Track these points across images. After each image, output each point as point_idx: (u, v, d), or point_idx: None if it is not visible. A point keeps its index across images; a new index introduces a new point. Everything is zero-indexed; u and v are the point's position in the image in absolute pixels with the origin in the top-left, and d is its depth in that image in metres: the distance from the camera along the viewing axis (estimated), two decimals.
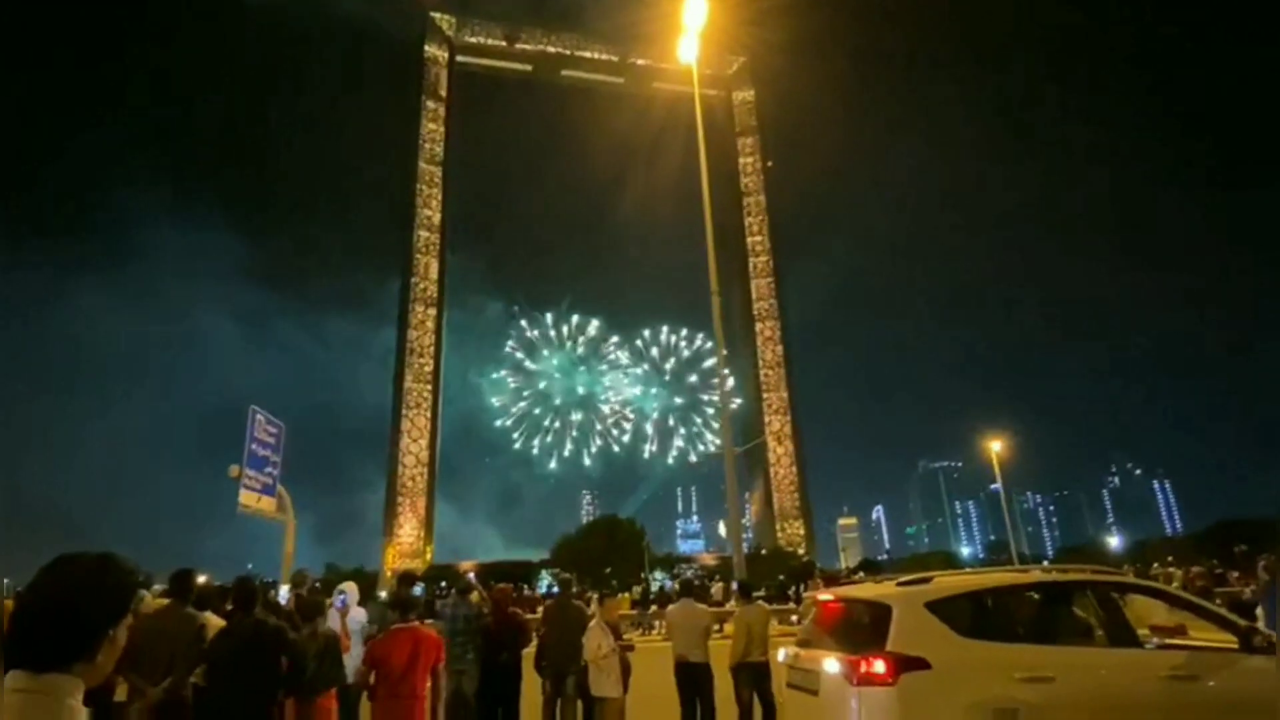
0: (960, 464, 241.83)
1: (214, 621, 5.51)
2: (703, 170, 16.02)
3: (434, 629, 6.22)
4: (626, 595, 29.04)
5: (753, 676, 7.33)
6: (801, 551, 67.76)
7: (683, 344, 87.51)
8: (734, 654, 7.48)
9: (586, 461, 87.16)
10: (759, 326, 77.51)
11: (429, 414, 68.43)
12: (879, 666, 4.22)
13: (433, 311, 70.91)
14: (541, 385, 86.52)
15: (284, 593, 12.10)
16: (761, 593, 29.30)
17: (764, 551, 63.52)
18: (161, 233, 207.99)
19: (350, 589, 8.02)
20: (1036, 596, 5.23)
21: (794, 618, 20.88)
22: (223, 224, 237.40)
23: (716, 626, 14.20)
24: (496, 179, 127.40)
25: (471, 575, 42.62)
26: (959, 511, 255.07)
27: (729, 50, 77.81)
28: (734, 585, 12.63)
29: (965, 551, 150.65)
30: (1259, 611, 7.66)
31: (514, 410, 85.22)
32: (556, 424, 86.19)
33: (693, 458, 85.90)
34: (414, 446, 66.97)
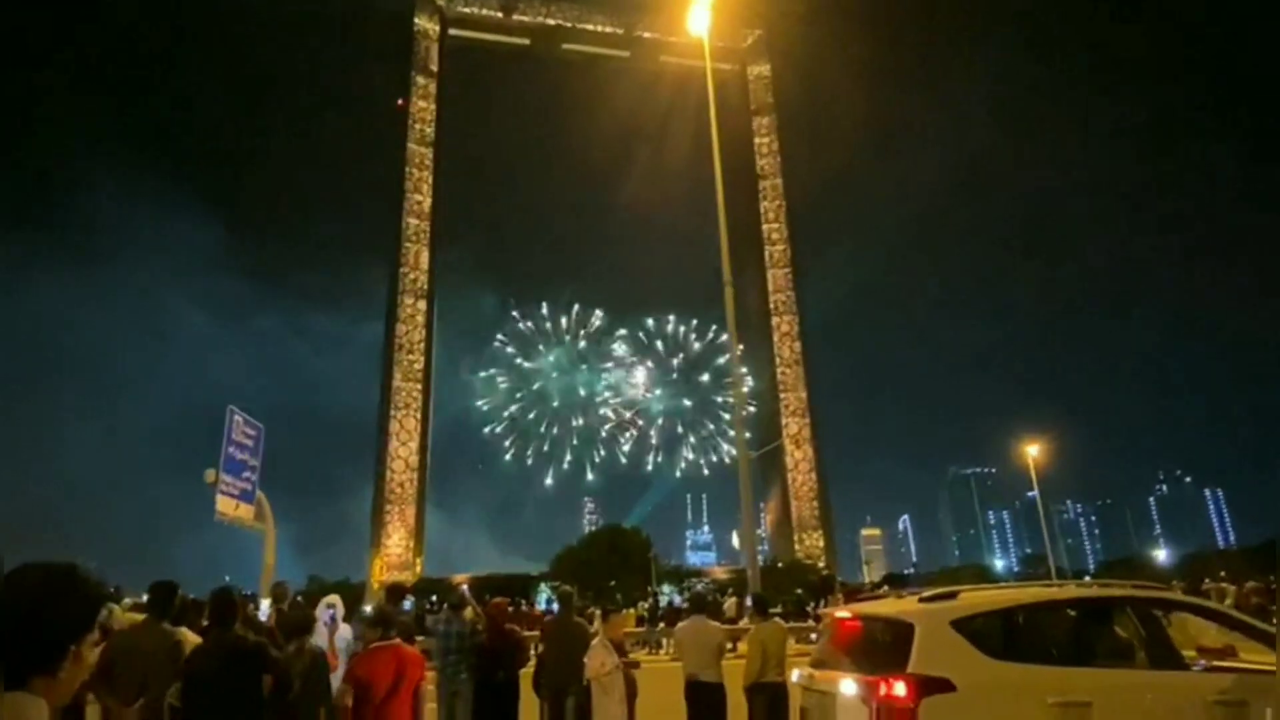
0: (994, 470, 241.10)
1: (190, 638, 5.57)
2: (715, 151, 16.06)
3: (425, 646, 6.25)
4: (632, 611, 29.07)
5: (768, 698, 7.36)
6: (821, 564, 67.74)
7: (693, 336, 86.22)
8: (748, 674, 7.50)
9: (590, 476, 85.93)
10: (775, 321, 77.26)
11: (419, 415, 68.71)
12: (899, 689, 4.22)
13: (423, 304, 71.13)
14: (537, 386, 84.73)
15: (265, 607, 12.21)
16: (778, 609, 29.31)
17: (780, 564, 63.61)
18: (128, 218, 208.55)
19: (337, 602, 8.10)
20: (1073, 614, 5.25)
21: (813, 635, 20.87)
22: (195, 211, 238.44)
23: (730, 645, 14.24)
24: (491, 162, 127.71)
25: (465, 589, 42.49)
26: (992, 522, 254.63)
27: (743, 21, 76.93)
28: (748, 600, 12.68)
29: (999, 565, 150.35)
30: None
31: (505, 415, 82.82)
32: (554, 430, 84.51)
33: (705, 470, 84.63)
34: (403, 450, 67.22)
